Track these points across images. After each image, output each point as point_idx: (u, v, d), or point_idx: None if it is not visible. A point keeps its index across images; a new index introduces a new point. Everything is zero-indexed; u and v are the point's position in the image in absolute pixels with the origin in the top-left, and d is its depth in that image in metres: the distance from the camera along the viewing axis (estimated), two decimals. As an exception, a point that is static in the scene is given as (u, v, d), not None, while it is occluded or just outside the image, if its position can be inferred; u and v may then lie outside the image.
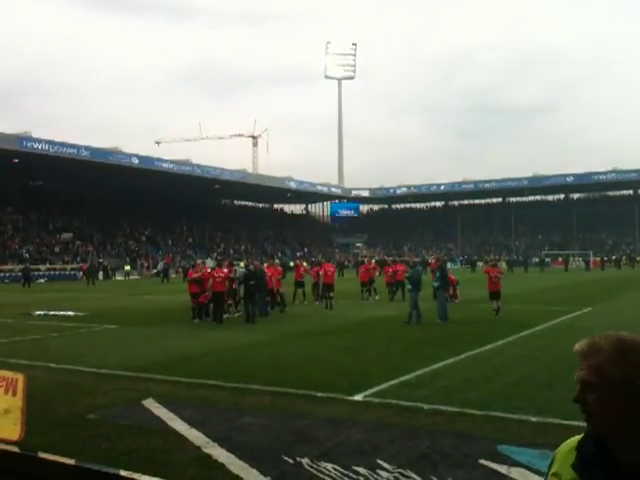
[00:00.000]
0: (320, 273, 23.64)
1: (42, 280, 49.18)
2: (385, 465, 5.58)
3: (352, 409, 7.72)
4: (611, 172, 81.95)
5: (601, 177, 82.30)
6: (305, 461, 5.73)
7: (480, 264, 53.28)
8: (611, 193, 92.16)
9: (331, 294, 22.02)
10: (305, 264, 28.91)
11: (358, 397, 8.23)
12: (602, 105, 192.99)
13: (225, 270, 19.16)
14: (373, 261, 32.56)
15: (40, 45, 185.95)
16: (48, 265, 54.24)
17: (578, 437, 1.63)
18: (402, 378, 9.34)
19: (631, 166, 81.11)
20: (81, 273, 51.71)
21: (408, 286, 17.61)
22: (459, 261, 76.90)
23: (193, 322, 17.84)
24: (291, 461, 5.75)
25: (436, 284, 17.44)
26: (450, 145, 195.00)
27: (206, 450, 6.11)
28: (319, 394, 8.38)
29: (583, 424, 1.56)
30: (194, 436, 6.55)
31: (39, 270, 51.63)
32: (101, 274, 52.45)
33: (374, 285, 25.64)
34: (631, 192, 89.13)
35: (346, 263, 66.51)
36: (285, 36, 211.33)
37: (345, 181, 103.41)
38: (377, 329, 15.82)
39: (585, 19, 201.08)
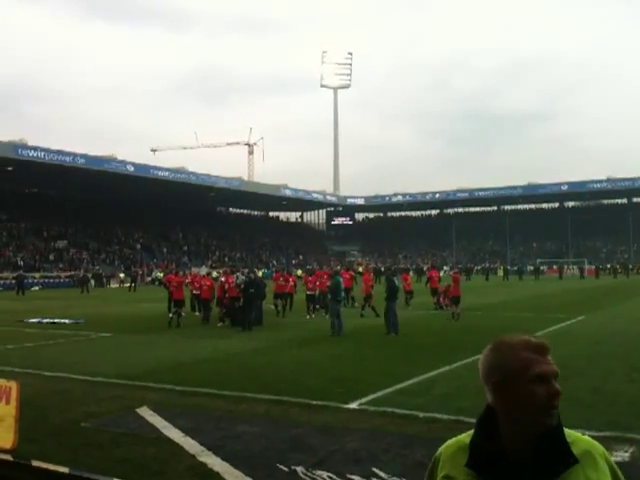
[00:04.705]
0: (317, 283, 22.54)
1: (36, 288, 49.00)
2: (380, 473, 5.57)
3: (347, 417, 7.70)
4: (605, 181, 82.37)
5: (595, 186, 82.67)
6: (300, 469, 5.71)
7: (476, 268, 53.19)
8: (605, 201, 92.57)
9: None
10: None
11: (353, 405, 8.22)
12: (597, 111, 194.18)
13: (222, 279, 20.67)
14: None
15: (36, 52, 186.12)
16: (42, 273, 54.07)
17: (462, 437, 1.64)
18: (397, 386, 9.33)
19: (625, 173, 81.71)
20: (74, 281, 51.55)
21: (329, 296, 17.36)
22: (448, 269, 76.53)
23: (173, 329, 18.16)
24: (286, 469, 5.73)
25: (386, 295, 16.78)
26: (445, 152, 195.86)
27: (201, 459, 6.08)
28: (314, 402, 8.36)
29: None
30: (189, 444, 6.52)
31: (33, 278, 51.46)
32: (93, 282, 52.12)
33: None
34: (625, 200, 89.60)
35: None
36: (282, 45, 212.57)
37: (340, 188, 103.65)
38: (372, 337, 15.80)
39: (580, 24, 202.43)
